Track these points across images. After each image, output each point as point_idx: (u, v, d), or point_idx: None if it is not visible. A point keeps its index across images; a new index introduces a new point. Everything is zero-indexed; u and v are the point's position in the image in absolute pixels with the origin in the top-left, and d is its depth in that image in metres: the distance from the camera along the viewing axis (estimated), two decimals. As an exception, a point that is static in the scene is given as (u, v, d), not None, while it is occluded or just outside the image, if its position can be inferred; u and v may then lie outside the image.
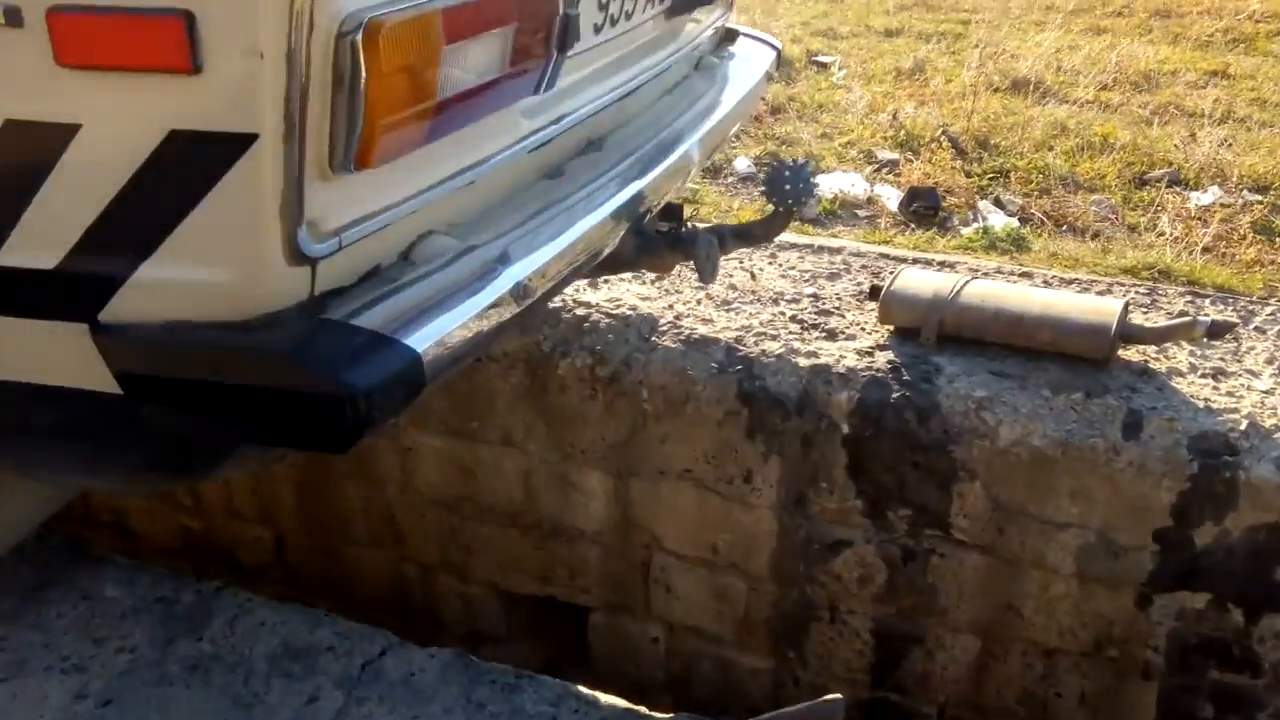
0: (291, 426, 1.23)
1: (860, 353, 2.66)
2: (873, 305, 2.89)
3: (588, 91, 1.76)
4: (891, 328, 2.77)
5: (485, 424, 2.90)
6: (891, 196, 4.15)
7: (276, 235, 1.14)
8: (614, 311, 2.86)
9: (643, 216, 1.81)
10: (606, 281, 3.07)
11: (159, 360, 1.21)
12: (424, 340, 1.23)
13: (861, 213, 4.08)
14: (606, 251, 1.72)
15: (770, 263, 3.20)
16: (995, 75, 5.92)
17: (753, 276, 3.09)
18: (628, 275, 3.13)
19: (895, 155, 4.65)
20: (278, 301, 1.19)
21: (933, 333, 2.67)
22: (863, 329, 2.79)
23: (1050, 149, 4.71)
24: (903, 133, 4.92)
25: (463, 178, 1.45)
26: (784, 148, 4.75)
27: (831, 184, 4.12)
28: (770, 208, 1.98)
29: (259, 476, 3.23)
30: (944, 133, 4.86)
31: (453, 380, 2.83)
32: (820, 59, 6.56)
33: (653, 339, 2.75)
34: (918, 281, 2.78)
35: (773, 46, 2.40)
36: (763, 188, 1.88)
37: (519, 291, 1.37)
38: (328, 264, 1.23)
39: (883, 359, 2.64)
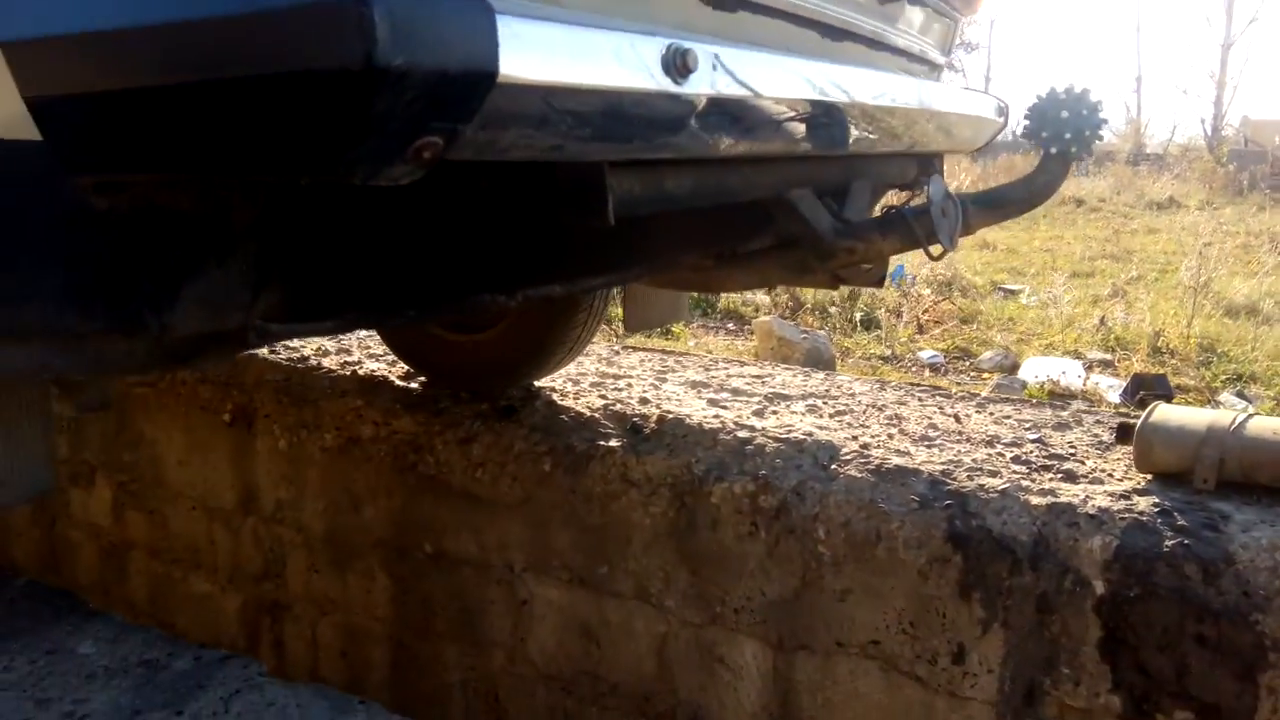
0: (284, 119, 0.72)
1: (1114, 495, 2.02)
2: (1122, 451, 2.26)
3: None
4: (1150, 475, 2.12)
5: (616, 570, 2.33)
6: (1110, 386, 3.54)
7: None
8: (784, 436, 2.32)
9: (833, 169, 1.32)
10: (775, 410, 2.55)
11: (109, 60, 0.75)
12: (516, 37, 0.74)
13: (1075, 404, 3.48)
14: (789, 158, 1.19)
15: (978, 411, 2.62)
16: (1206, 303, 5.33)
17: (958, 420, 2.51)
18: (799, 404, 2.61)
19: (1106, 355, 4.07)
20: None
21: (1212, 474, 2.01)
22: (1110, 475, 2.15)
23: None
24: (1112, 337, 4.35)
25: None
26: (976, 345, 4.25)
27: (1037, 370, 3.57)
28: (1038, 157, 1.42)
29: (348, 629, 2.71)
30: (1158, 338, 4.27)
31: (579, 508, 2.31)
32: (1007, 287, 6.14)
33: (833, 467, 2.18)
34: (1183, 416, 2.15)
35: (1000, 103, 1.96)
36: (1026, 128, 1.36)
37: (674, 59, 0.89)
38: None
39: (1145, 503, 1.98)
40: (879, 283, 1.74)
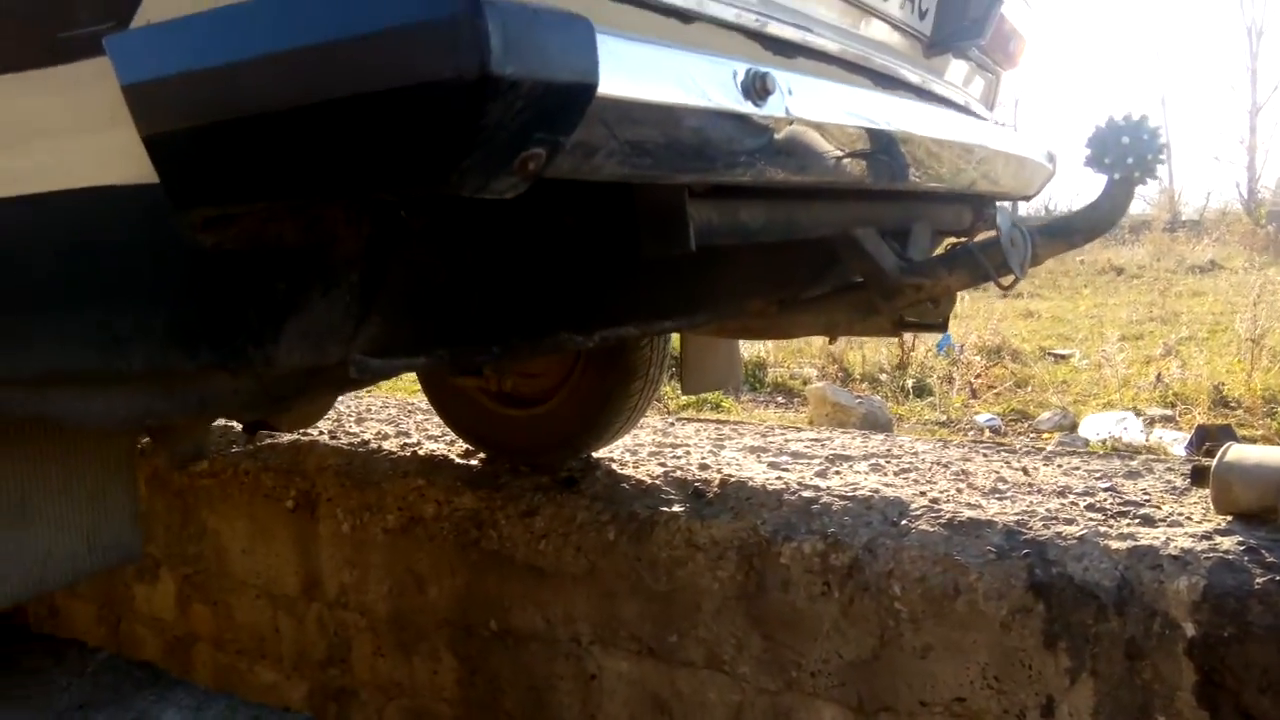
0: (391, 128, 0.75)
1: (1195, 536, 1.96)
2: (1198, 495, 2.21)
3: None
4: (1230, 516, 2.07)
5: (686, 638, 2.29)
6: (1174, 440, 3.47)
7: None
8: (850, 494, 2.29)
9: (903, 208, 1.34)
10: (837, 471, 2.53)
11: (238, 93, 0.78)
12: (612, 54, 0.76)
13: (1142, 455, 3.41)
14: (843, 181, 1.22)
15: (1045, 464, 2.58)
16: (1264, 357, 5.24)
17: (1026, 473, 2.47)
18: (861, 464, 2.58)
19: (1166, 411, 4.00)
20: None
21: (1298, 511, 1.95)
22: (1189, 518, 2.10)
23: (1365, 407, 3.95)
24: (1171, 393, 4.28)
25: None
26: (1033, 407, 4.20)
27: (1097, 428, 3.51)
28: (1100, 184, 1.41)
29: (415, 713, 2.68)
30: (1218, 392, 4.19)
31: (645, 575, 2.29)
32: (1057, 352, 6.09)
33: (903, 522, 2.15)
34: (1260, 454, 2.10)
35: (1050, 150, 1.97)
36: (1088, 156, 1.37)
37: (754, 82, 0.91)
38: None
39: (1229, 542, 1.93)
40: (943, 326, 1.75)
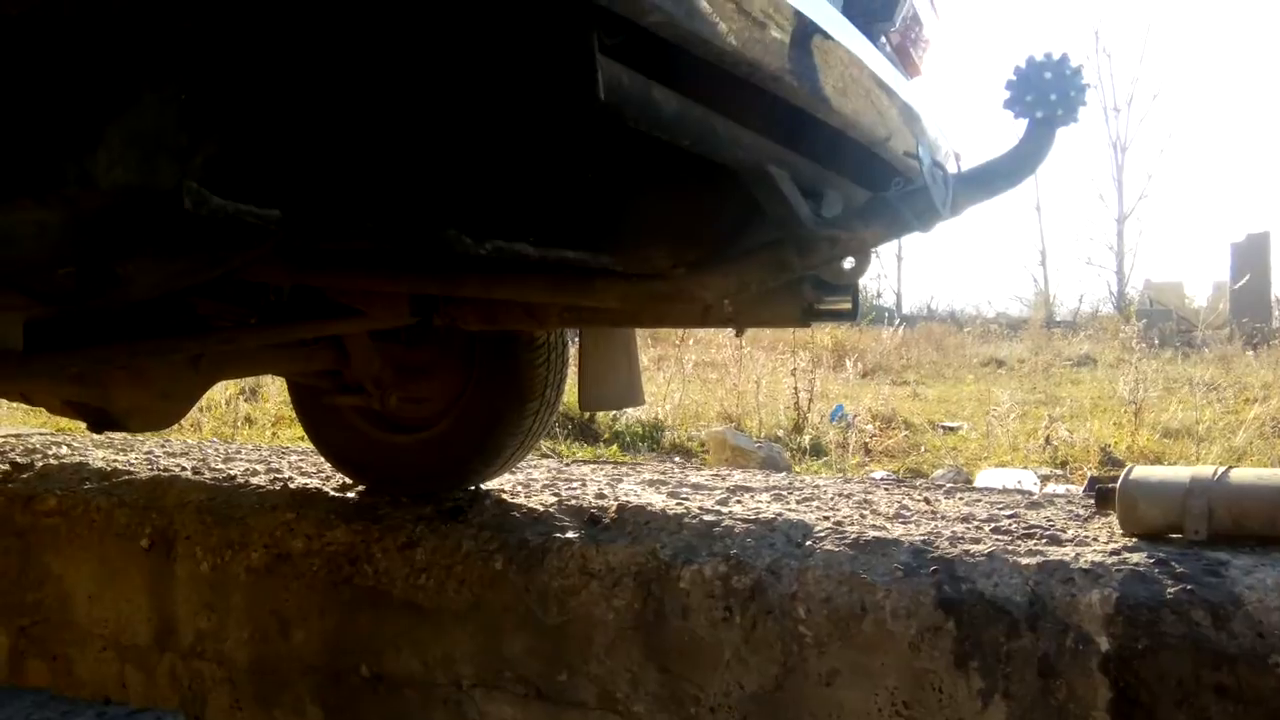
0: None
1: (1104, 553, 1.91)
2: (1102, 521, 2.18)
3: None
4: (1136, 536, 2.03)
5: (577, 675, 2.12)
6: (1067, 491, 3.48)
7: None
8: (753, 518, 2.18)
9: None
10: (739, 500, 2.42)
11: None
12: None
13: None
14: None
15: (946, 497, 2.52)
16: (1144, 428, 5.39)
17: (928, 503, 2.41)
18: (763, 495, 2.48)
19: (1057, 470, 4.04)
20: None
21: (1203, 524, 1.92)
22: (1095, 539, 2.05)
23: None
24: (1060, 455, 4.33)
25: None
26: (927, 466, 4.19)
27: (992, 481, 3.50)
28: (1020, 128, 1.32)
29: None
30: (1106, 452, 4.26)
31: (534, 608, 2.13)
32: (947, 424, 6.16)
33: (807, 543, 2.05)
34: (1163, 472, 2.08)
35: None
36: (1008, 98, 1.29)
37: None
38: None
39: (1138, 556, 1.88)
40: (853, 314, 1.67)
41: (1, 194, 0.79)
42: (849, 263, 1.39)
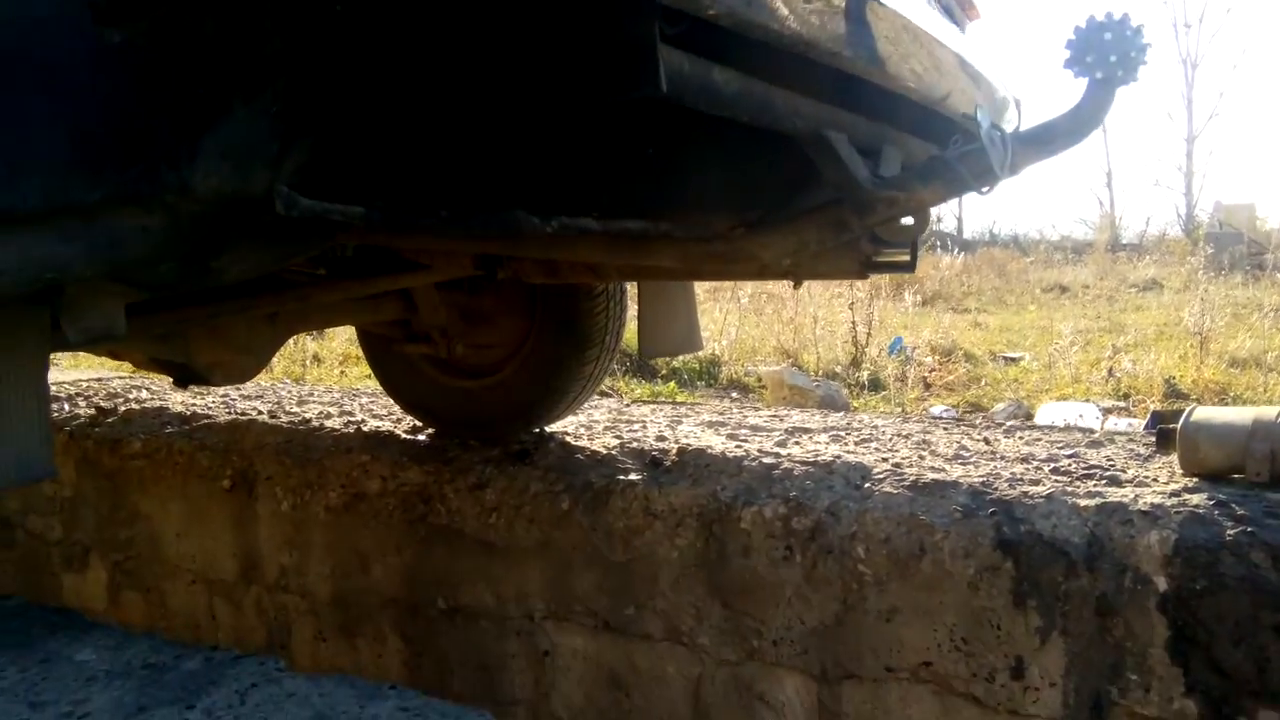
0: None
1: (1164, 494, 1.93)
2: (1163, 461, 2.18)
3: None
4: (1197, 477, 2.04)
5: (643, 610, 2.20)
6: (1129, 425, 3.47)
7: None
8: (811, 460, 2.23)
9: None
10: (797, 441, 2.46)
11: None
12: None
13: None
14: None
15: (1006, 436, 2.54)
16: (1210, 357, 5.29)
17: (988, 443, 2.43)
18: (821, 436, 2.52)
19: (1120, 403, 4.01)
20: None
21: (1265, 467, 1.93)
22: (1155, 480, 2.06)
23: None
24: (1123, 387, 4.30)
25: None
26: (987, 400, 4.18)
27: (1053, 417, 3.50)
28: (1081, 87, 1.33)
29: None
30: (1170, 384, 4.22)
31: (601, 546, 2.20)
32: (1008, 355, 6.11)
33: (866, 485, 2.09)
34: (1226, 414, 2.08)
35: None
36: (1068, 58, 1.29)
37: None
38: None
39: (1198, 498, 1.89)
40: (911, 266, 1.69)
41: (111, 201, 0.85)
42: (907, 220, 1.41)
